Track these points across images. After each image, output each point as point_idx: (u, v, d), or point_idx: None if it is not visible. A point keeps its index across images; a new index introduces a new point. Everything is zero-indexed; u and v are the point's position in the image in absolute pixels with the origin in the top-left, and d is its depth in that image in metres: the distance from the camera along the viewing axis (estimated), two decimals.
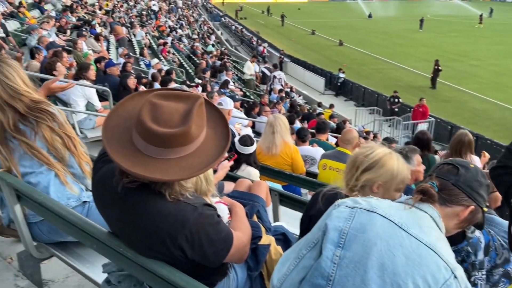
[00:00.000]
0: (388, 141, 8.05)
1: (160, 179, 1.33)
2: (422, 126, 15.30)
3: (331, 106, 16.61)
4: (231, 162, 2.90)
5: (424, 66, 25.63)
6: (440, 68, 21.21)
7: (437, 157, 6.11)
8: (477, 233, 2.16)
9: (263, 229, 2.02)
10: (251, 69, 17.50)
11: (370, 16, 52.36)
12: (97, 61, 8.40)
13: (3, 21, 10.87)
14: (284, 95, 15.75)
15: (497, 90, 20.96)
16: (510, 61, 27.24)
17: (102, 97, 6.61)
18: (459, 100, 20.01)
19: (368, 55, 30.25)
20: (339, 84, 22.49)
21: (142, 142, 1.32)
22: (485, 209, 1.50)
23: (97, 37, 12.03)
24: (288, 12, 50.59)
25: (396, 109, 17.51)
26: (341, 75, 22.40)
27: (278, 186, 4.01)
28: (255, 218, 2.11)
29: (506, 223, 2.69)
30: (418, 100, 16.46)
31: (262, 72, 19.67)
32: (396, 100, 17.73)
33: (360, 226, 1.29)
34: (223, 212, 1.76)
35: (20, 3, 14.39)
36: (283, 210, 3.46)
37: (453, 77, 21.72)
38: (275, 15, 51.54)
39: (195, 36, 28.58)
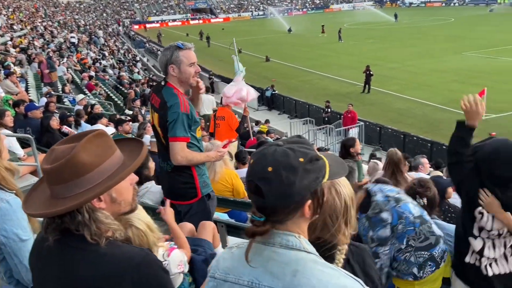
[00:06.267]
0: (322, 150, 8.35)
1: (42, 213, 1.34)
2: (354, 131, 15.98)
3: (266, 121, 16.86)
4: (226, 148, 3.08)
5: (347, 74, 26.94)
6: (371, 72, 22.43)
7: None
8: (385, 214, 2.37)
9: None
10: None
11: (290, 30, 54.22)
12: (16, 104, 7.86)
13: None
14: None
15: (415, 89, 22.49)
16: (423, 60, 29.45)
17: (26, 143, 6.17)
18: (383, 102, 21.19)
19: (295, 68, 31.24)
20: (265, 97, 23.08)
21: (47, 186, 1.37)
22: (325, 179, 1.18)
23: (8, 76, 11.32)
24: (213, 33, 51.03)
25: (327, 118, 18.22)
26: (269, 89, 22.95)
27: (222, 215, 3.93)
28: None
29: (449, 225, 2.84)
30: (346, 107, 17.22)
31: None
32: (327, 109, 18.45)
33: None
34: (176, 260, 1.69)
35: None
36: (232, 240, 3.39)
37: (375, 81, 22.99)
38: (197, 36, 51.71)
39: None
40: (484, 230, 2.35)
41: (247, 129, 9.19)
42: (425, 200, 2.76)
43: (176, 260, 1.75)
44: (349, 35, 44.46)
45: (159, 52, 42.55)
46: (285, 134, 16.71)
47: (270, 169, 1.13)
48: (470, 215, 2.37)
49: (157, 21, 79.97)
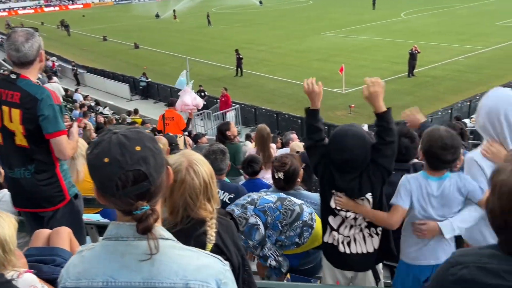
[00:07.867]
0: (198, 136, 8.37)
1: None
2: (230, 114, 16.28)
3: (136, 111, 16.26)
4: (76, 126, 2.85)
5: (220, 58, 27.22)
6: (241, 56, 22.92)
7: (248, 142, 6.56)
8: (252, 219, 2.53)
9: None
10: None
11: (157, 16, 52.48)
12: None
13: None
14: (87, 109, 14.65)
15: (284, 69, 23.71)
16: (289, 42, 31.12)
17: None
18: (256, 83, 21.95)
19: (166, 54, 30.47)
20: (141, 87, 22.36)
21: None
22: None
23: None
24: (72, 21, 47.00)
25: (205, 103, 18.21)
26: (143, 78, 22.17)
27: (94, 216, 3.64)
28: None
29: (313, 195, 3.01)
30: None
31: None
32: (203, 94, 18.42)
33: None
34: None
35: None
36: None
37: (246, 64, 23.62)
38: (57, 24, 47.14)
39: None
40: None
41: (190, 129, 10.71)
42: (280, 174, 2.88)
43: (28, 281, 1.54)
44: (218, 19, 44.78)
45: None
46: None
47: (138, 148, 1.08)
48: (327, 198, 2.46)
49: (4, 9, 70.79)
